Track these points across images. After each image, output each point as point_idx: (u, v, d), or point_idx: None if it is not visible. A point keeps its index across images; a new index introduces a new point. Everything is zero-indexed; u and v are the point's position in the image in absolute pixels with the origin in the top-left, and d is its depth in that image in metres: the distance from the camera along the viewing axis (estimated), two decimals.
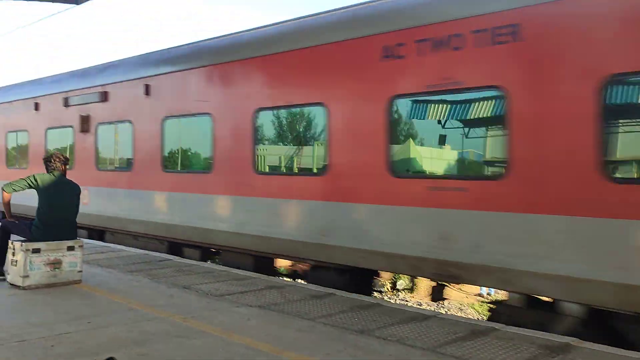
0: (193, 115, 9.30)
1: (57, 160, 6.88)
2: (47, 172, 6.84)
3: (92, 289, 6.53)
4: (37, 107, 13.10)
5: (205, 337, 4.76)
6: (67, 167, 7.07)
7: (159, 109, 9.87)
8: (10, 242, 6.66)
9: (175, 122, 9.71)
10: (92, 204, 11.12)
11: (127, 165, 10.81)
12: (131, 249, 9.98)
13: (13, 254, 6.52)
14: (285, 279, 8.32)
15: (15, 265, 6.46)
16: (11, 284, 6.54)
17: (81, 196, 7.02)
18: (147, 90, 10.02)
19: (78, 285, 6.69)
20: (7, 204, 6.88)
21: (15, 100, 14.07)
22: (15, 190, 6.71)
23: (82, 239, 7.51)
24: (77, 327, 4.94)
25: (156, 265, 8.22)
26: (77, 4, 12.88)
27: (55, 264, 6.57)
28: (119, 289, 6.55)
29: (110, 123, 11.09)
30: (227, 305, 5.94)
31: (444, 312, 5.88)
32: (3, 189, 6.74)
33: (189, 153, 10.14)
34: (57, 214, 6.71)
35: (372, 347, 4.58)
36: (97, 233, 11.61)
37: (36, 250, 6.44)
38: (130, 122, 10.56)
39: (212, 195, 8.96)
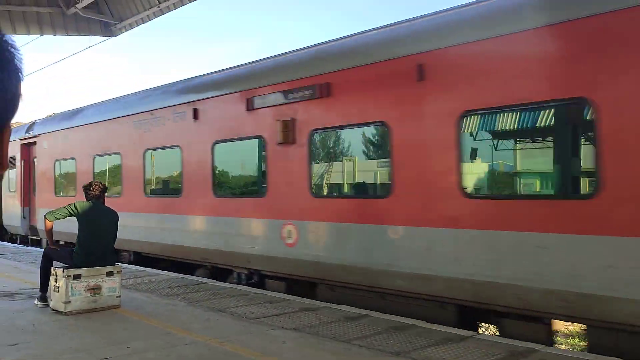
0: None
1: (96, 188, 7.09)
2: (87, 199, 7.05)
3: (131, 314, 6.66)
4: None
5: None
6: (106, 194, 7.26)
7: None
8: (52, 268, 6.87)
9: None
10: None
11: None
12: (168, 272, 10.14)
13: (55, 280, 6.72)
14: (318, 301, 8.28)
15: (58, 292, 6.65)
16: (54, 310, 6.72)
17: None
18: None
19: (117, 310, 6.83)
20: (50, 232, 7.11)
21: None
22: (56, 219, 6.94)
23: (120, 264, 7.68)
24: (116, 352, 5.04)
25: (192, 289, 8.33)
26: (113, 36, 13.32)
27: (95, 290, 6.74)
28: (156, 313, 6.67)
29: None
30: (263, 328, 5.98)
31: (482, 333, 5.78)
32: (45, 217, 6.97)
33: None
34: (96, 240, 6.89)
35: None
36: None
37: (77, 277, 6.62)
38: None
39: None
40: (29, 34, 11.84)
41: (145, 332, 5.82)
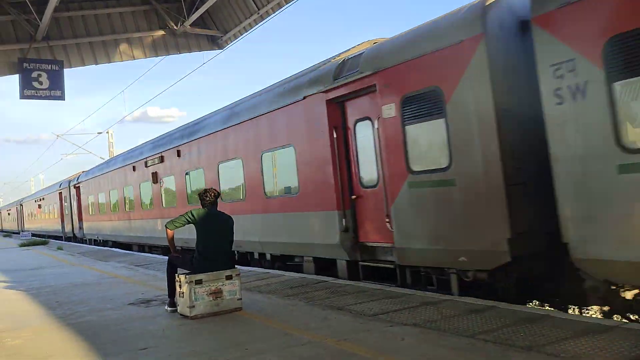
0: None
1: (212, 194, 7.30)
2: (202, 206, 7.28)
3: (252, 316, 6.75)
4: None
5: None
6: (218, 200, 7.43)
7: None
8: (176, 275, 7.17)
9: None
10: None
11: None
12: (290, 273, 10.26)
13: (180, 286, 7.00)
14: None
15: (183, 297, 6.91)
16: (181, 314, 7.01)
17: None
18: None
19: (239, 313, 6.96)
20: (171, 240, 7.44)
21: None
22: (176, 227, 7.24)
23: (240, 267, 7.85)
24: (235, 354, 5.08)
25: (311, 288, 8.30)
26: (221, 48, 13.87)
27: (217, 294, 6.92)
28: (275, 314, 6.69)
29: None
30: (381, 325, 5.73)
31: (630, 321, 5.04)
32: (166, 227, 7.30)
33: None
34: (212, 245, 7.09)
35: None
36: None
37: (198, 282, 6.83)
38: None
39: None
40: (145, 58, 12.73)
41: (263, 333, 5.83)
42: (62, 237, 33.99)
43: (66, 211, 32.59)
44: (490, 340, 4.80)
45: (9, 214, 72.67)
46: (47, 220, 39.97)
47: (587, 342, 4.48)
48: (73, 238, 31.13)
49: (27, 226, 51.62)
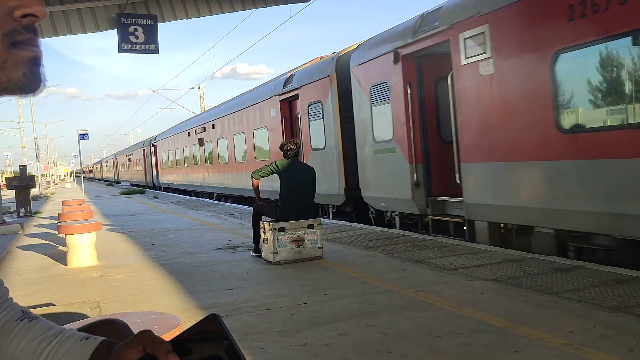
0: None
1: (293, 145, 7.44)
2: (285, 157, 7.45)
3: (332, 264, 6.92)
4: None
5: (433, 311, 4.62)
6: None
7: None
8: (261, 222, 7.46)
9: None
10: None
11: None
12: (370, 226, 10.35)
13: (264, 233, 7.28)
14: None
15: (267, 243, 7.20)
16: (265, 260, 7.31)
17: None
18: None
19: (320, 261, 7.16)
20: (257, 189, 7.71)
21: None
22: (261, 177, 7.48)
23: (322, 219, 8.02)
24: (315, 299, 5.26)
25: (392, 241, 8.35)
26: (307, 0, 13.83)
27: (299, 241, 7.14)
28: (355, 264, 6.82)
29: None
30: (460, 278, 5.70)
31: None
32: (252, 176, 7.56)
33: None
34: (295, 195, 7.28)
35: (629, 326, 3.88)
36: None
37: (282, 229, 7.07)
38: None
39: None
40: (233, 11, 12.93)
41: (342, 281, 5.98)
42: (145, 185, 41.69)
43: (147, 165, 40.81)
44: (575, 298, 4.65)
45: (106, 165, 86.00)
46: (135, 172, 48.97)
47: None
48: (153, 186, 38.86)
49: (121, 177, 61.15)
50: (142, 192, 31.55)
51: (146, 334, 0.83)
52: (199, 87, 39.21)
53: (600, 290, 4.87)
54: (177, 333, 0.87)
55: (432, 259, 6.75)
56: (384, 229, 9.89)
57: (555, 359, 3.43)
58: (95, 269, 7.78)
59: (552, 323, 4.08)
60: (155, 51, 10.55)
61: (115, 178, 66.25)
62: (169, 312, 3.56)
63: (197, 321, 0.82)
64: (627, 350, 3.46)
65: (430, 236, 8.75)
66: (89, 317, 4.70)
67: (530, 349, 3.61)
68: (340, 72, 11.71)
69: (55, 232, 11.58)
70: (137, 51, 10.42)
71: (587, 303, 4.50)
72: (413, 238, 8.57)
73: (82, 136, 25.28)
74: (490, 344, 3.74)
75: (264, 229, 7.30)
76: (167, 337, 0.84)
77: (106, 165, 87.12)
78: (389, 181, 10.02)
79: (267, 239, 7.20)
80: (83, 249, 8.06)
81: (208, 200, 22.37)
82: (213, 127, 21.74)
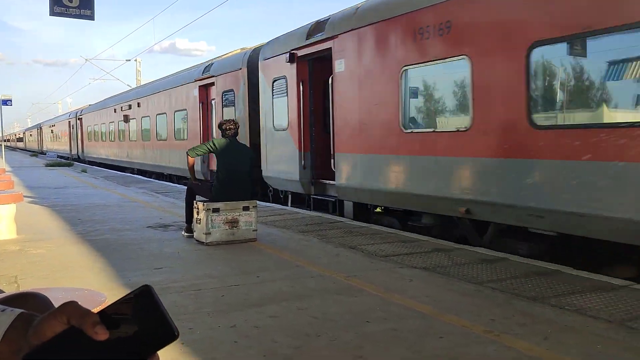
0: None
1: (232, 125, 7.32)
2: (223, 136, 7.32)
3: (265, 247, 6.89)
4: None
5: (363, 296, 4.70)
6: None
7: None
8: (195, 202, 7.31)
9: None
10: None
11: None
12: (306, 211, 10.38)
13: (197, 213, 7.14)
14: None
15: (199, 223, 7.07)
16: (197, 240, 7.18)
17: None
18: None
19: (253, 243, 7.11)
20: (192, 168, 7.54)
21: None
22: (197, 155, 7.32)
23: (259, 202, 7.96)
24: (246, 281, 5.22)
25: (327, 227, 8.41)
26: None
27: (233, 223, 7.05)
28: (289, 248, 6.82)
29: None
30: (391, 265, 5.82)
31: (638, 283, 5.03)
32: (188, 154, 7.38)
33: None
34: (232, 175, 7.17)
35: (545, 316, 4.09)
36: None
37: (216, 210, 6.96)
38: None
39: None
40: None
41: (275, 264, 5.97)
42: (69, 157, 40.64)
43: (72, 137, 40.06)
44: (498, 288, 4.85)
45: (31, 135, 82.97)
46: (60, 143, 48.08)
47: (593, 297, 4.50)
48: (77, 159, 37.85)
49: (45, 147, 59.16)
50: (69, 165, 30.20)
51: (71, 305, 0.77)
52: (135, 60, 37.84)
53: (521, 281, 5.10)
54: None
55: (365, 246, 6.85)
56: (320, 214, 9.94)
57: (477, 345, 3.57)
58: (13, 242, 7.39)
59: (475, 311, 4.24)
60: (91, 17, 10.04)
61: (39, 149, 64.39)
62: (94, 289, 3.42)
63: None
64: (543, 338, 3.65)
65: (364, 223, 8.88)
66: (5, 292, 4.44)
67: (453, 335, 3.74)
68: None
69: None
70: (70, 15, 9.87)
71: (508, 293, 4.71)
72: (347, 224, 8.66)
73: (5, 102, 23.85)
74: (416, 330, 3.85)
75: (197, 208, 7.15)
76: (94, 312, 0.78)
77: (30, 135, 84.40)
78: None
79: (200, 219, 7.07)
80: (1, 221, 7.63)
81: (140, 177, 21.70)
82: (139, 106, 22.53)
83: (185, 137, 16.82)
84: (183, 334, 3.74)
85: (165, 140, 19.09)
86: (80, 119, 36.73)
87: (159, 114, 19.60)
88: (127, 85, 35.59)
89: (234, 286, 5.03)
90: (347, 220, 9.13)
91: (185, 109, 16.76)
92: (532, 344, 3.54)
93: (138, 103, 22.52)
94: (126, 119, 24.20)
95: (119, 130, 26.22)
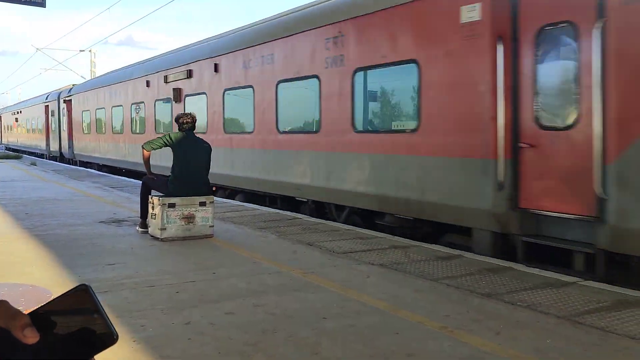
0: None
1: (189, 118, 7.18)
2: (179, 130, 7.18)
3: (222, 243, 6.80)
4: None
5: (321, 292, 4.69)
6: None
7: None
8: (150, 197, 7.14)
9: None
10: None
11: None
12: (264, 207, 10.31)
13: (152, 208, 6.99)
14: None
15: (155, 219, 6.91)
16: (152, 236, 7.02)
17: None
18: None
19: (210, 239, 7.00)
20: (147, 161, 7.36)
21: None
22: (153, 149, 7.15)
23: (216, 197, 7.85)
24: (202, 277, 5.14)
25: (285, 223, 8.37)
26: None
27: (189, 218, 6.93)
28: (246, 244, 6.75)
29: None
30: (348, 262, 5.83)
31: (586, 279, 5.20)
32: (143, 147, 7.21)
33: None
34: (189, 170, 7.04)
35: (498, 312, 4.18)
36: None
37: (172, 205, 6.82)
38: None
39: None
40: None
41: (232, 260, 5.89)
42: (45, 155, 30.48)
43: (53, 127, 28.58)
44: (453, 285, 4.93)
45: None
46: (28, 135, 35.94)
47: (544, 294, 4.62)
48: (59, 158, 27.44)
49: (4, 140, 48.14)
50: (18, 158, 29.09)
51: (0, 305, 0.71)
52: (90, 51, 36.77)
53: (475, 277, 5.20)
54: None
55: (323, 242, 6.85)
56: (278, 210, 9.89)
57: (432, 340, 3.61)
58: None
59: (430, 307, 4.30)
60: (42, 4, 9.66)
61: None
62: (41, 286, 3.29)
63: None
64: (496, 334, 3.72)
65: (322, 220, 8.89)
66: None
67: (409, 331, 3.77)
68: None
69: None
70: (19, 1, 9.47)
71: (463, 289, 4.79)
72: (305, 221, 8.64)
73: None
74: (373, 326, 3.86)
75: (153, 203, 6.99)
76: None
77: None
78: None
79: (155, 214, 6.91)
80: None
81: (94, 170, 21.06)
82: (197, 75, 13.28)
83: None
84: (135, 332, 3.64)
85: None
86: (69, 102, 25.25)
87: (238, 89, 11.50)
88: (81, 77, 34.51)
89: (189, 282, 4.93)
90: (306, 217, 9.11)
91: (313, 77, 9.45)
92: (485, 340, 3.61)
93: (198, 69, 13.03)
94: (178, 95, 13.75)
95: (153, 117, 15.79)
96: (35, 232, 7.31)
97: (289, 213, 9.63)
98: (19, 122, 39.30)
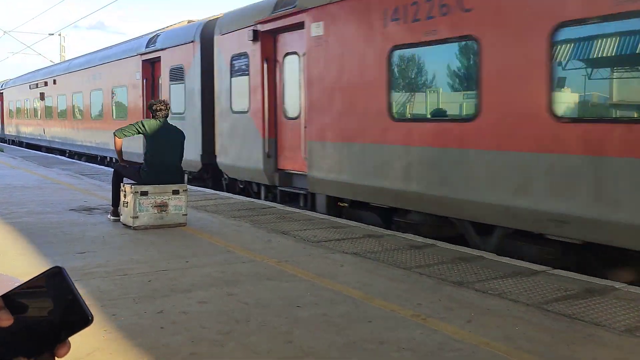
0: None
1: (162, 106, 7.08)
2: (153, 117, 7.07)
3: (196, 232, 6.75)
4: None
5: (295, 281, 4.69)
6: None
7: None
8: (122, 185, 7.04)
9: None
10: None
11: None
12: (238, 196, 10.25)
13: (124, 196, 6.89)
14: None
15: (126, 207, 6.82)
16: (124, 224, 6.93)
17: None
18: None
19: (183, 228, 6.94)
20: (119, 149, 7.24)
21: None
22: (125, 136, 7.04)
23: (189, 186, 7.77)
24: (175, 266, 5.09)
25: (259, 212, 8.34)
26: None
27: (162, 207, 6.85)
28: (220, 233, 6.71)
29: None
30: (323, 251, 5.85)
31: (554, 268, 5.33)
32: (115, 135, 7.08)
33: None
34: (162, 157, 6.95)
35: (469, 300, 4.24)
36: None
37: (144, 193, 6.74)
38: None
39: None
40: None
41: (206, 249, 5.85)
42: None
43: None
44: (425, 273, 4.98)
45: None
46: None
47: (514, 282, 4.71)
48: None
49: None
50: None
51: None
52: (59, 35, 35.89)
53: (447, 266, 5.26)
54: None
55: (297, 231, 6.85)
56: (252, 199, 9.85)
57: (404, 329, 3.65)
58: None
59: (403, 296, 4.34)
60: None
61: None
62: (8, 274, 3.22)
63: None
64: (467, 321, 3.78)
65: (296, 209, 8.88)
66: None
67: (382, 320, 3.81)
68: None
69: None
70: None
71: (435, 278, 4.85)
72: (280, 210, 8.62)
73: None
74: (346, 315, 3.89)
75: (125, 191, 6.89)
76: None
77: None
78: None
79: (127, 202, 6.82)
80: None
81: (64, 157, 20.66)
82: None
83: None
84: (107, 320, 3.60)
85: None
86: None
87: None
88: (50, 61, 33.73)
89: (162, 271, 4.89)
90: (280, 206, 9.09)
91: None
92: (457, 327, 3.66)
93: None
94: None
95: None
96: (4, 220, 7.15)
97: (263, 202, 9.61)
98: None
